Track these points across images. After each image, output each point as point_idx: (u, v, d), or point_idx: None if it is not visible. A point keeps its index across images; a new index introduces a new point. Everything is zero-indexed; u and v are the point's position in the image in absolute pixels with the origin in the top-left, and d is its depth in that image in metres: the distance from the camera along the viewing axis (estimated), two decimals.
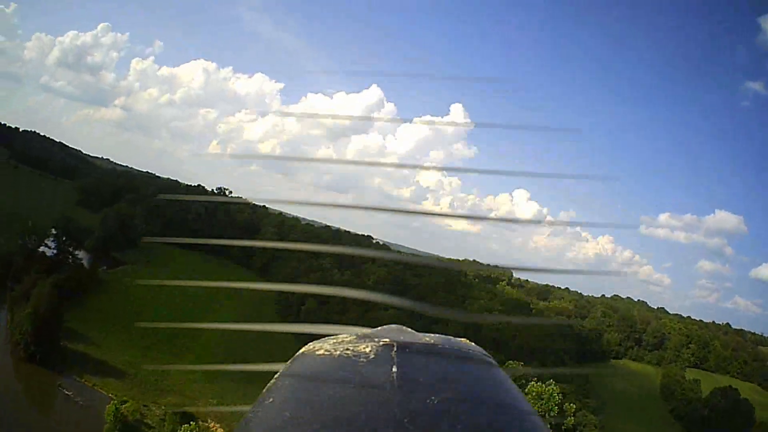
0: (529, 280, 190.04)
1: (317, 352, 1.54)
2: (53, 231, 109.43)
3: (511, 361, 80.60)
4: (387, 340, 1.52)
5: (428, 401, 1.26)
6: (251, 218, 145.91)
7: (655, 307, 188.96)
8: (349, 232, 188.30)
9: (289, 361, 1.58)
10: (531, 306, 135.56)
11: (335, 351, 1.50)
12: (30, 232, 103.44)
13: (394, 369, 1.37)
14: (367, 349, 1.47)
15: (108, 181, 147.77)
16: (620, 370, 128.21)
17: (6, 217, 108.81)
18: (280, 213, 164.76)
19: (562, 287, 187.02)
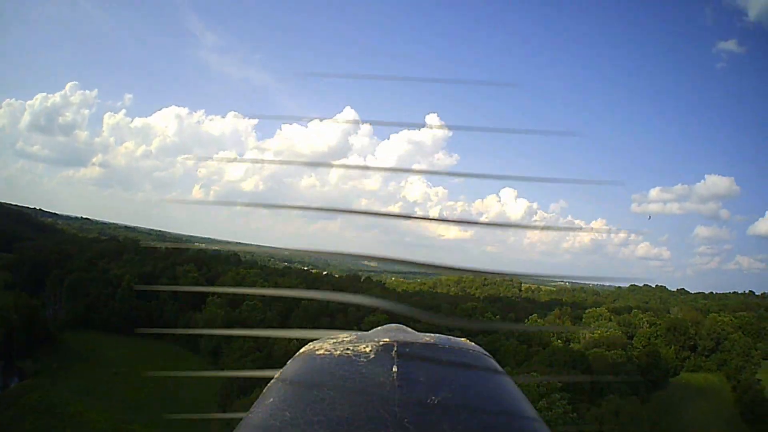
0: (540, 287, 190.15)
1: (317, 352, 1.52)
2: None
3: None
4: (387, 339, 1.50)
5: (429, 401, 1.26)
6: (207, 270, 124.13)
7: (675, 290, 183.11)
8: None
9: (289, 361, 1.56)
10: (568, 337, 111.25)
11: (335, 351, 1.48)
12: None
13: (395, 369, 1.36)
14: (367, 349, 1.45)
15: (45, 251, 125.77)
16: (685, 389, 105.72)
17: None
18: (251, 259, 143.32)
19: (576, 285, 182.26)
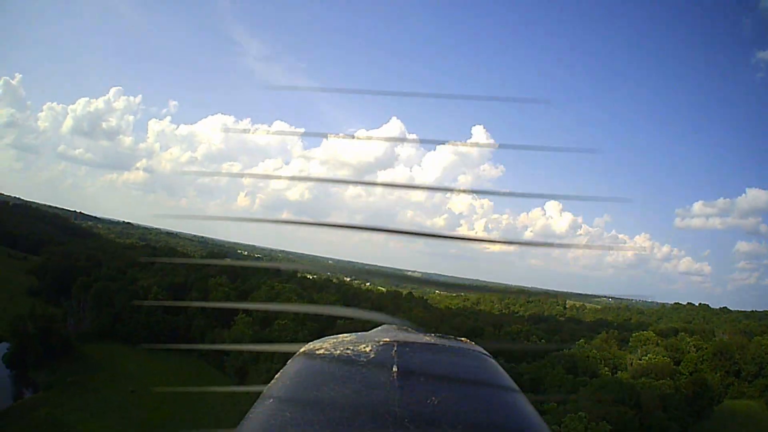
0: (585, 305, 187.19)
1: (317, 352, 1.54)
2: None
3: None
4: (387, 339, 1.55)
5: (429, 401, 1.27)
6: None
7: (718, 308, 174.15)
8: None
9: (289, 361, 1.59)
10: (615, 364, 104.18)
11: (335, 350, 1.51)
12: None
13: (395, 368, 1.39)
14: (368, 349, 1.48)
15: (73, 257, 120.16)
16: (728, 418, 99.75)
17: None
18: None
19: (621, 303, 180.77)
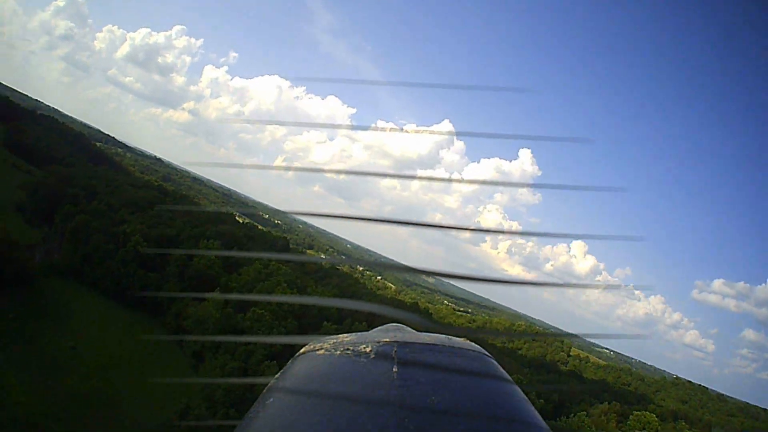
0: (589, 357, 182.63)
1: (317, 352, 1.56)
2: None
3: None
4: (387, 339, 1.56)
5: (429, 401, 1.29)
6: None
7: (715, 395, 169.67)
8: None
9: (290, 361, 1.61)
10: None
11: (336, 350, 1.52)
12: None
13: (395, 369, 1.40)
14: (368, 349, 1.49)
15: (69, 180, 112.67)
16: None
17: None
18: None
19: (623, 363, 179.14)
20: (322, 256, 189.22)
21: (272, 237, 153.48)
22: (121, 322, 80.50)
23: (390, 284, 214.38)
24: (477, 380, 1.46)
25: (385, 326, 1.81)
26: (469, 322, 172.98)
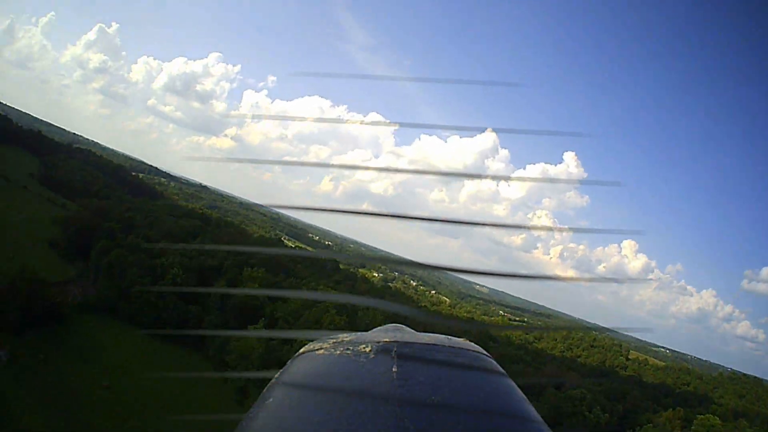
0: (648, 359, 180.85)
1: (317, 352, 1.56)
2: None
3: None
4: (387, 339, 1.56)
5: (429, 401, 1.30)
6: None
7: None
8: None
9: (289, 361, 1.60)
10: None
11: (335, 350, 1.53)
12: None
13: (395, 368, 1.41)
14: (367, 349, 1.50)
15: (106, 212, 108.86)
16: None
17: None
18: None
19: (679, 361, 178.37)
20: (375, 274, 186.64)
21: (321, 260, 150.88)
22: (159, 358, 75.76)
23: (444, 298, 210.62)
24: (476, 379, 1.46)
25: (384, 326, 1.80)
26: (526, 333, 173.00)
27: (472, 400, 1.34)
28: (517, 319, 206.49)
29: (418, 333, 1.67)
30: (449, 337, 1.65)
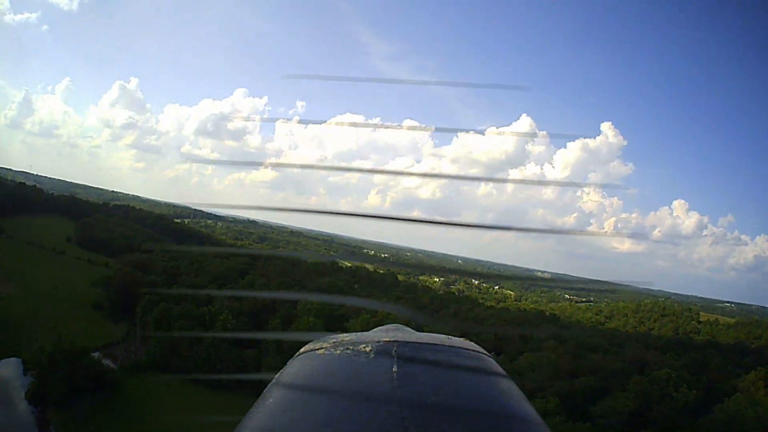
0: (719, 319, 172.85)
1: (317, 352, 1.58)
2: None
3: None
4: (387, 339, 1.58)
5: (429, 401, 1.30)
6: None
7: None
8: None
9: (289, 361, 1.63)
10: None
11: (335, 350, 1.54)
12: None
13: (395, 368, 1.42)
14: (367, 349, 1.51)
15: (147, 265, 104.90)
16: None
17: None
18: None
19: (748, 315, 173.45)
20: (436, 280, 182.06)
21: (380, 275, 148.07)
22: (219, 409, 70.30)
23: (509, 292, 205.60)
24: (475, 378, 1.47)
25: (385, 326, 1.83)
26: (596, 314, 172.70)
27: (472, 400, 1.35)
28: (583, 299, 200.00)
29: (419, 332, 1.69)
30: (449, 336, 1.66)
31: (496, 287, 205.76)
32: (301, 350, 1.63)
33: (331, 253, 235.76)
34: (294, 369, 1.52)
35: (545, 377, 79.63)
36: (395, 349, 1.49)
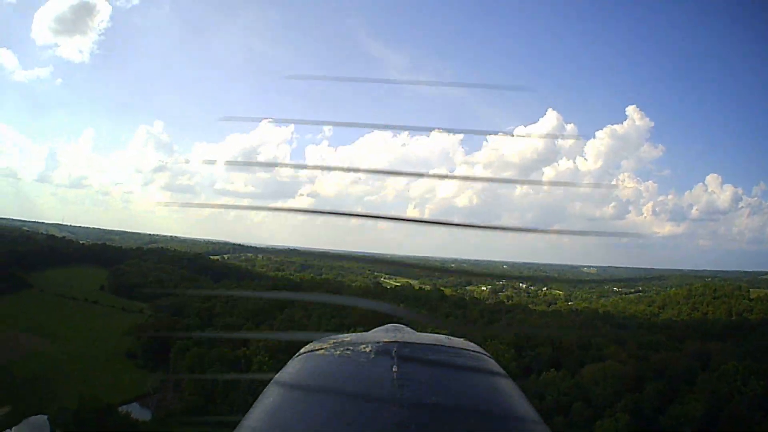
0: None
1: (317, 352, 1.61)
2: None
3: None
4: (387, 339, 1.61)
5: (429, 401, 1.32)
6: None
7: None
8: None
9: (289, 361, 1.67)
10: None
11: (335, 351, 1.57)
12: None
13: (395, 369, 1.44)
14: (367, 349, 1.53)
15: (186, 309, 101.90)
16: None
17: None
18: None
19: None
20: (483, 288, 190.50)
21: (425, 292, 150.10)
22: None
23: (558, 292, 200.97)
24: (476, 379, 1.48)
25: (385, 326, 1.85)
26: (649, 305, 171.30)
27: (472, 399, 1.36)
28: (632, 290, 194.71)
29: (419, 333, 1.71)
30: (449, 337, 1.69)
31: (545, 288, 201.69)
32: (301, 350, 1.65)
33: (375, 273, 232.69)
34: (294, 369, 1.54)
35: (611, 391, 74.89)
36: (395, 349, 1.49)
